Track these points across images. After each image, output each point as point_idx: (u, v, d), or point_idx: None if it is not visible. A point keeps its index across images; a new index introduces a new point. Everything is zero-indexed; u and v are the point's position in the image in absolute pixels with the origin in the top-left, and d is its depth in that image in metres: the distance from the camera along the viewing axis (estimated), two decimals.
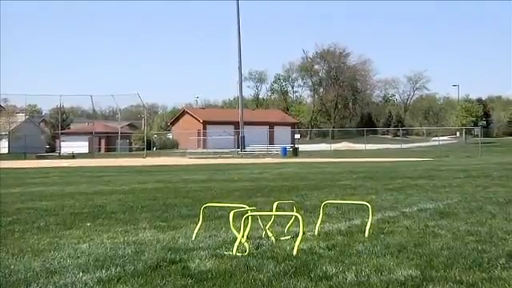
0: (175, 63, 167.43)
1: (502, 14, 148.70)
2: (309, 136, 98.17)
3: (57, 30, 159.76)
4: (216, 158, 55.16)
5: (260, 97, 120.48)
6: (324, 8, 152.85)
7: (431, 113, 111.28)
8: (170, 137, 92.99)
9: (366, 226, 6.44)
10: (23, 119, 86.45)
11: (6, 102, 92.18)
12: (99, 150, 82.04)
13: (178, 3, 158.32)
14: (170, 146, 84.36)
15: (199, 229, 6.38)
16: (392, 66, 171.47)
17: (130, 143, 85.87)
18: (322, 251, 5.41)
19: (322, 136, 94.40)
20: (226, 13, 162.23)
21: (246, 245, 5.43)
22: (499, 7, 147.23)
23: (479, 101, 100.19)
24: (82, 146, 79.53)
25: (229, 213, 6.02)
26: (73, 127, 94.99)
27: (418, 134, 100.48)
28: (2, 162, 44.31)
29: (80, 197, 12.09)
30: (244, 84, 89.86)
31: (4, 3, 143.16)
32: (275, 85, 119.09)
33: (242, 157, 56.74)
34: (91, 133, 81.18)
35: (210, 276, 4.47)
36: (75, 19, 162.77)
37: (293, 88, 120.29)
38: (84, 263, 5.00)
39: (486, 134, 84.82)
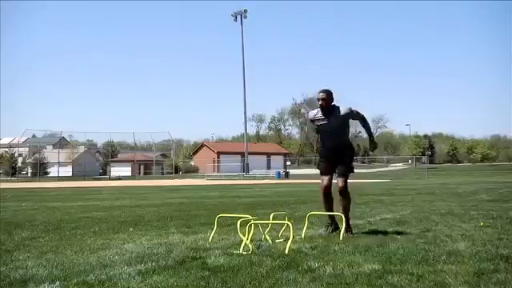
0: (197, 107, 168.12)
1: (443, 63, 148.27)
2: (297, 163, 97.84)
3: (107, 82, 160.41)
4: (227, 179, 55.03)
5: (260, 133, 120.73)
6: (308, 67, 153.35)
7: (390, 145, 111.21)
8: (193, 163, 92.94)
9: (340, 232, 6.42)
10: (83, 150, 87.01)
11: (71, 137, 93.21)
12: (139, 174, 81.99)
13: (199, 63, 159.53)
14: (192, 171, 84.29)
15: (214, 233, 6.37)
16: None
17: (162, 168, 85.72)
18: (307, 251, 5.39)
19: (307, 163, 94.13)
20: (234, 69, 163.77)
21: (250, 246, 5.42)
22: (442, 55, 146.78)
23: (425, 136, 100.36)
24: (126, 171, 79.77)
25: (237, 221, 6.04)
26: (120, 156, 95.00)
27: (379, 162, 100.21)
28: (67, 182, 44.21)
29: (125, 209, 12.06)
30: (248, 123, 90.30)
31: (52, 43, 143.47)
32: (271, 124, 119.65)
33: (246, 179, 56.58)
34: (133, 161, 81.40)
35: (222, 269, 4.46)
36: (118, 71, 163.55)
37: (285, 126, 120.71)
38: (128, 259, 4.99)
39: (431, 162, 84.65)
